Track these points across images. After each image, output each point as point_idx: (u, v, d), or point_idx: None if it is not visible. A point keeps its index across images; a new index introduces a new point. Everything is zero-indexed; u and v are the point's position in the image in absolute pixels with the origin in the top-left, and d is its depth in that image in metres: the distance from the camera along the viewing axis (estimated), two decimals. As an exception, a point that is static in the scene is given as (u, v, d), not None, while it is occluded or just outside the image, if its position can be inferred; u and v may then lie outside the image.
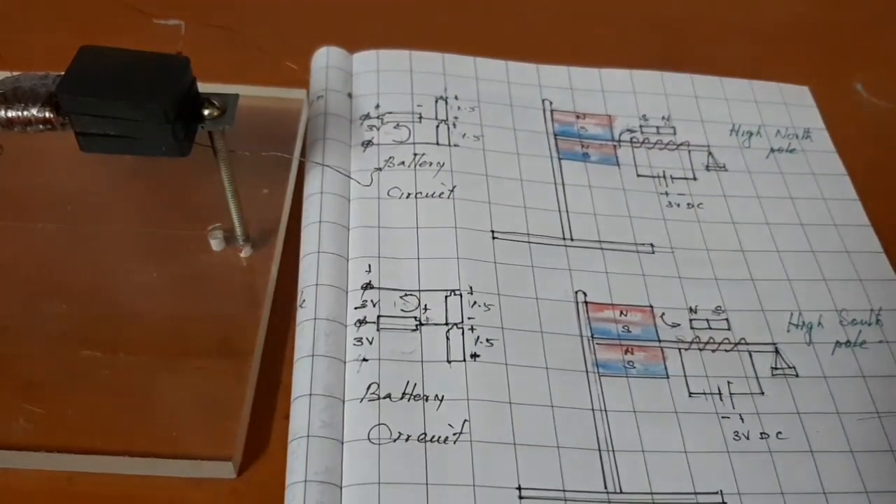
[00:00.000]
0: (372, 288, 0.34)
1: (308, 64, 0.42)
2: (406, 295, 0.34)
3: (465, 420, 0.31)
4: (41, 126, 0.30)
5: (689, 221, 0.39)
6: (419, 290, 0.34)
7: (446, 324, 0.34)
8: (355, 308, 0.34)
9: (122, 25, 0.44)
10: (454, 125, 0.40)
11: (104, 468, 0.30)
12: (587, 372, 0.33)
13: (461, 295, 0.34)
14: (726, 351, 0.35)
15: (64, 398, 0.32)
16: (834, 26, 0.51)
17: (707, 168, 0.41)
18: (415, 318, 0.34)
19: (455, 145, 0.40)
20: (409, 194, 0.37)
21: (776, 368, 0.34)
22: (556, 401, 0.32)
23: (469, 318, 0.34)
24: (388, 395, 0.31)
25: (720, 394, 0.33)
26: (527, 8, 0.50)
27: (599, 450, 0.31)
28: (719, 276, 0.37)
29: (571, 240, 0.37)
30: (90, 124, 0.30)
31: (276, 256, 0.37)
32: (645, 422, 0.32)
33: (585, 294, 0.35)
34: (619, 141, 0.42)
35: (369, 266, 0.35)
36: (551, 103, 0.43)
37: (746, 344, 0.35)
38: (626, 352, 0.34)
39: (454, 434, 0.31)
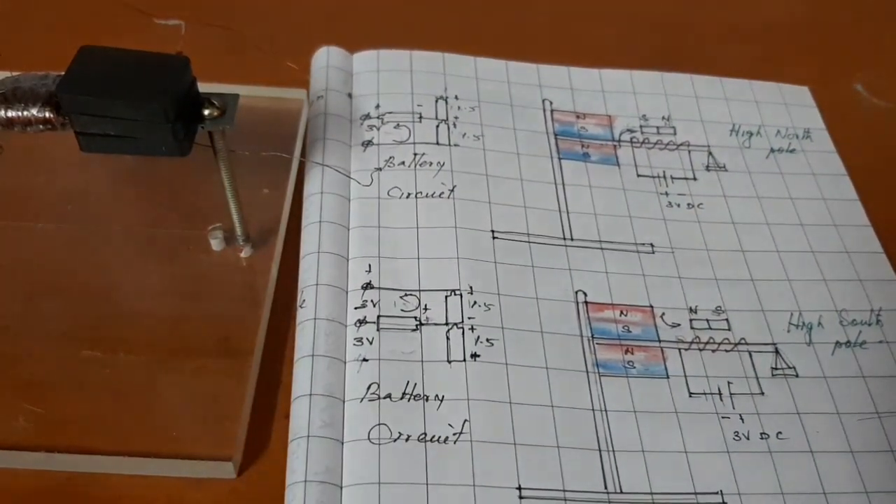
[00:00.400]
0: (372, 288, 0.34)
1: (308, 64, 0.42)
2: (406, 295, 0.34)
3: (466, 420, 0.31)
4: (41, 126, 0.30)
5: (690, 221, 0.39)
6: (419, 290, 0.34)
7: (446, 324, 0.34)
8: (355, 308, 0.34)
9: (122, 25, 0.44)
10: (454, 125, 0.40)
11: (104, 468, 0.30)
12: (587, 372, 0.33)
13: (461, 295, 0.34)
14: (726, 351, 0.35)
15: (64, 398, 0.32)
16: (834, 26, 0.51)
17: (707, 168, 0.41)
18: (415, 318, 0.34)
19: (455, 145, 0.40)
20: (409, 194, 0.37)
21: (776, 368, 0.34)
22: (557, 401, 0.32)
23: (469, 318, 0.34)
24: (389, 395, 0.31)
25: (720, 394, 0.33)
26: (527, 8, 0.50)
27: (599, 450, 0.31)
28: (719, 276, 0.37)
29: (571, 240, 0.37)
30: (90, 124, 0.30)
31: (276, 256, 0.37)
32: (645, 422, 0.32)
33: (585, 294, 0.35)
34: (620, 141, 0.42)
35: (369, 266, 0.35)
36: (551, 103, 0.43)
37: (746, 344, 0.35)
38: (627, 352, 0.34)
39: (454, 434, 0.31)
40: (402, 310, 0.34)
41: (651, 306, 0.36)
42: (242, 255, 0.36)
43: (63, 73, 0.30)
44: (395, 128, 0.40)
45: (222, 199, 0.34)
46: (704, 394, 0.33)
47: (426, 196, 0.37)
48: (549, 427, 0.31)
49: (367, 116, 0.40)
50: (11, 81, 0.30)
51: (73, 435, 0.31)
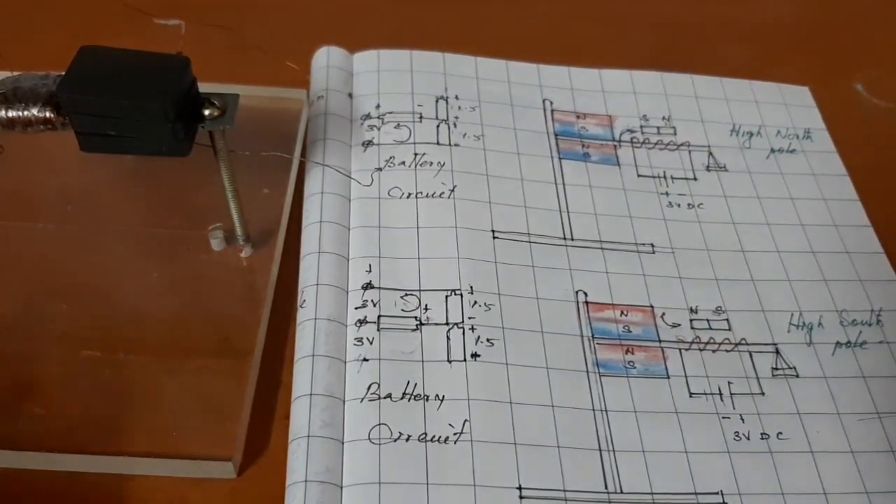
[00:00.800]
0: (372, 288, 0.34)
1: (308, 64, 0.42)
2: (406, 295, 0.34)
3: (466, 420, 0.31)
4: (41, 126, 0.30)
5: (690, 221, 0.39)
6: (419, 290, 0.34)
7: (447, 323, 0.34)
8: (356, 308, 0.34)
9: (122, 25, 0.44)
10: (455, 125, 0.40)
11: (104, 468, 0.30)
12: (588, 372, 0.33)
13: (462, 295, 0.34)
14: (727, 351, 0.35)
15: (64, 398, 0.32)
16: (834, 26, 0.51)
17: (707, 168, 0.41)
18: (415, 317, 0.34)
19: (455, 145, 0.40)
20: (409, 194, 0.37)
21: (776, 369, 0.34)
22: (557, 401, 0.32)
23: (469, 318, 0.34)
24: (389, 395, 0.31)
25: (720, 394, 0.33)
26: (527, 8, 0.50)
27: (600, 450, 0.31)
28: (719, 276, 0.37)
29: (572, 240, 0.37)
30: (90, 124, 0.30)
31: (276, 256, 0.37)
32: (645, 422, 0.32)
33: (586, 294, 0.35)
34: (620, 141, 0.42)
35: (370, 266, 0.35)
36: (552, 103, 0.43)
37: (747, 344, 0.35)
38: (627, 352, 0.34)
39: (454, 434, 0.31)
40: (403, 310, 0.34)
41: (651, 306, 0.36)
42: (242, 255, 0.36)
43: (63, 73, 0.30)
44: (395, 128, 0.40)
45: (222, 199, 0.34)
46: (705, 394, 0.33)
47: (426, 196, 0.37)
48: (550, 427, 0.31)
49: (368, 116, 0.40)
50: (11, 81, 0.30)
51: (73, 435, 0.31)
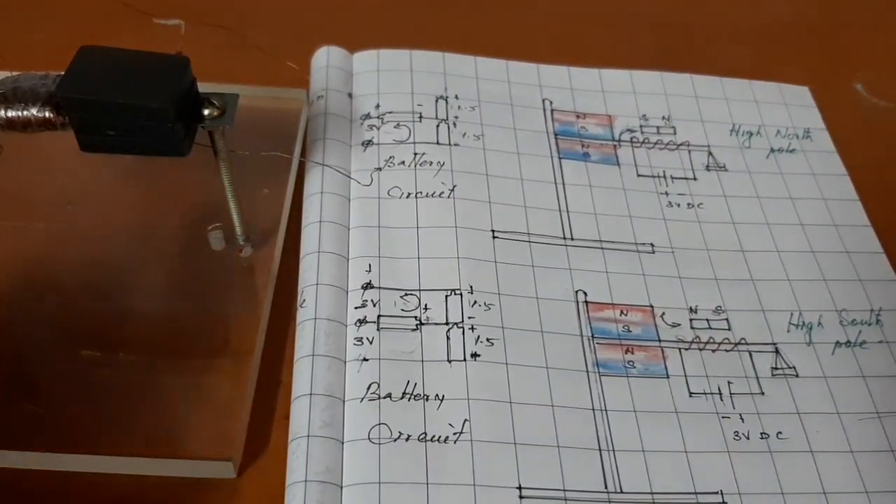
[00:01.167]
0: (372, 287, 0.34)
1: (308, 64, 0.42)
2: (406, 294, 0.34)
3: (466, 420, 0.31)
4: (41, 126, 0.30)
5: (690, 221, 0.39)
6: (419, 290, 0.34)
7: (447, 323, 0.34)
8: (355, 308, 0.34)
9: (122, 25, 0.44)
10: (454, 125, 0.40)
11: (104, 468, 0.30)
12: (587, 371, 0.33)
13: (461, 294, 0.34)
14: (726, 351, 0.35)
15: (64, 398, 0.32)
16: (834, 26, 0.51)
17: (707, 168, 0.41)
18: (415, 317, 0.34)
19: (455, 145, 0.40)
20: (409, 194, 0.37)
21: (776, 368, 0.34)
22: (557, 400, 0.32)
23: (469, 318, 0.34)
24: (389, 395, 0.31)
25: (720, 394, 0.33)
26: (527, 8, 0.50)
27: (600, 449, 0.31)
28: (719, 276, 0.37)
29: (572, 239, 0.37)
30: (90, 124, 0.30)
31: (276, 256, 0.37)
32: (645, 421, 0.32)
33: (586, 294, 0.35)
34: (620, 141, 0.42)
35: (369, 266, 0.35)
36: (551, 103, 0.43)
37: (746, 344, 0.35)
38: (627, 351, 0.34)
39: (454, 434, 0.31)
40: (403, 309, 0.34)
41: (651, 306, 0.36)
42: (242, 255, 0.36)
43: (63, 73, 0.30)
44: (395, 127, 0.40)
45: (222, 199, 0.34)
46: (704, 394, 0.33)
47: (426, 196, 0.37)
48: (550, 427, 0.31)
49: (367, 116, 0.40)
50: (11, 81, 0.30)
51: (73, 435, 0.31)
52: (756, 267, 0.37)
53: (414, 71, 0.42)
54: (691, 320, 0.35)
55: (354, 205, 0.37)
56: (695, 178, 0.41)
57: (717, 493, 0.31)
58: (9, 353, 0.33)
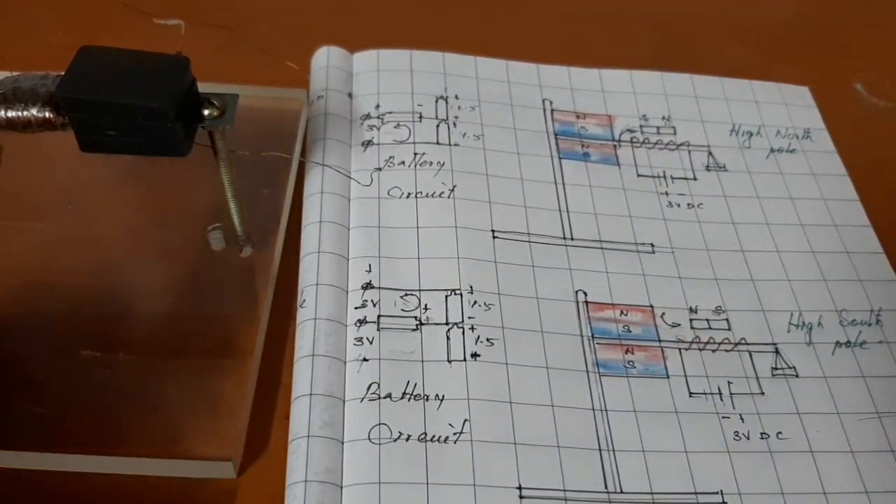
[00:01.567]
0: (372, 288, 0.34)
1: (308, 64, 0.42)
2: (406, 294, 0.34)
3: (466, 420, 0.31)
4: (41, 126, 0.30)
5: (690, 221, 0.39)
6: (419, 290, 0.34)
7: (447, 323, 0.34)
8: (355, 308, 0.34)
9: (122, 25, 0.44)
10: (454, 125, 0.40)
11: (104, 468, 0.30)
12: (587, 371, 0.33)
13: (461, 294, 0.34)
14: (726, 351, 0.35)
15: (64, 398, 0.32)
16: (834, 26, 0.51)
17: (707, 168, 0.41)
18: (415, 317, 0.34)
19: (455, 145, 0.40)
20: (409, 194, 0.37)
21: (776, 368, 0.34)
22: (557, 400, 0.32)
23: (469, 318, 0.34)
24: (389, 395, 0.31)
25: (720, 394, 0.33)
26: (527, 8, 0.50)
27: (600, 449, 0.31)
28: (719, 276, 0.37)
29: (572, 239, 0.37)
30: (90, 124, 0.30)
31: (276, 256, 0.37)
32: (645, 421, 0.32)
33: (586, 294, 0.35)
34: (620, 141, 0.42)
35: (369, 266, 0.35)
36: (551, 103, 0.43)
37: (746, 344, 0.35)
38: (627, 351, 0.34)
39: (454, 434, 0.31)
40: (403, 309, 0.34)
41: (651, 306, 0.36)
42: (242, 255, 0.36)
43: (63, 73, 0.30)
44: (395, 127, 0.40)
45: (222, 199, 0.34)
46: (704, 394, 0.33)
47: (426, 196, 0.37)
48: (550, 427, 0.31)
49: (367, 116, 0.40)
50: (11, 81, 0.30)
51: (73, 435, 0.31)
52: (756, 267, 0.37)
53: (414, 71, 0.42)
54: (691, 320, 0.35)
55: (354, 205, 0.37)
56: (695, 178, 0.41)
57: (717, 493, 0.31)
58: (9, 354, 0.33)
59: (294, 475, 0.29)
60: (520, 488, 0.30)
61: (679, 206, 0.39)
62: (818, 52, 0.49)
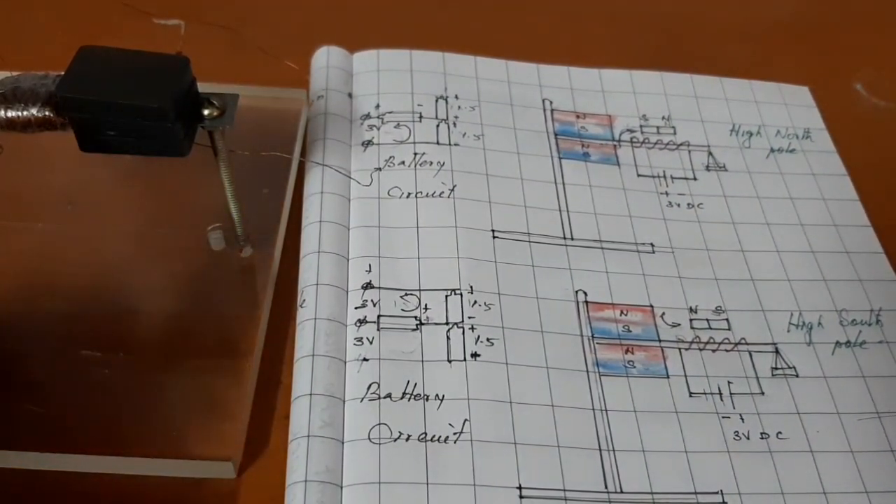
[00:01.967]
0: (372, 287, 0.34)
1: (308, 64, 0.42)
2: (406, 294, 0.34)
3: (466, 419, 0.31)
4: (41, 126, 0.30)
5: (690, 221, 0.39)
6: (419, 290, 0.34)
7: (447, 323, 0.34)
8: (355, 308, 0.34)
9: (122, 25, 0.44)
10: (454, 124, 0.40)
11: (104, 468, 0.30)
12: (587, 371, 0.33)
13: (461, 294, 0.34)
14: (726, 351, 0.35)
15: (64, 398, 0.32)
16: (834, 26, 0.51)
17: (707, 168, 0.41)
18: (415, 317, 0.34)
19: (455, 145, 0.40)
20: (409, 194, 0.37)
21: (776, 368, 0.34)
22: (557, 400, 0.32)
23: (469, 318, 0.34)
24: (389, 395, 0.31)
25: (720, 394, 0.33)
26: (527, 8, 0.50)
27: (600, 449, 0.31)
28: (719, 276, 0.37)
29: (572, 239, 0.37)
30: (89, 124, 0.30)
31: (276, 256, 0.37)
32: (645, 421, 0.32)
33: (586, 293, 0.35)
34: (620, 141, 0.42)
35: (369, 266, 0.35)
36: (551, 103, 0.43)
37: (746, 344, 0.35)
38: (627, 351, 0.34)
39: (454, 434, 0.31)
40: (403, 309, 0.34)
41: (651, 306, 0.36)
42: (242, 255, 0.36)
43: (63, 73, 0.30)
44: (395, 127, 0.40)
45: (222, 199, 0.34)
46: (704, 393, 0.33)
47: (426, 196, 0.37)
48: (550, 427, 0.31)
49: (367, 116, 0.40)
50: (11, 81, 0.30)
51: (73, 435, 0.31)
52: (756, 267, 0.37)
53: (414, 71, 0.42)
54: (691, 320, 0.35)
55: (354, 205, 0.37)
56: (695, 178, 0.41)
57: (717, 493, 0.31)
58: (9, 354, 0.33)
59: (294, 475, 0.29)
60: (520, 488, 0.30)
61: (679, 206, 0.39)
62: (818, 52, 0.49)
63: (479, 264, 0.35)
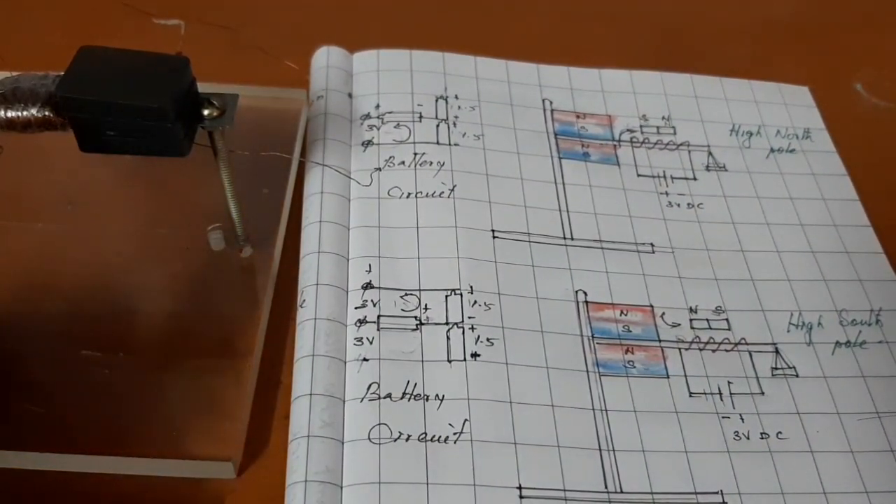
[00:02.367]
0: (372, 287, 0.34)
1: (308, 64, 0.42)
2: (406, 294, 0.34)
3: (466, 419, 0.31)
4: (41, 126, 0.30)
5: (689, 221, 0.39)
6: (419, 290, 0.34)
7: (447, 323, 0.34)
8: (355, 308, 0.34)
9: (122, 25, 0.44)
10: (454, 124, 0.40)
11: (104, 468, 0.30)
12: (587, 371, 0.33)
13: (461, 294, 0.34)
14: (726, 351, 0.35)
15: (64, 398, 0.32)
16: (834, 26, 0.51)
17: (707, 168, 0.41)
18: (415, 317, 0.34)
19: (455, 145, 0.40)
20: (409, 194, 0.37)
21: (776, 368, 0.34)
22: (557, 400, 0.32)
23: (469, 318, 0.34)
24: (389, 395, 0.31)
25: (720, 394, 0.33)
26: (527, 8, 0.50)
27: (600, 449, 0.31)
28: (719, 276, 0.37)
29: (572, 239, 0.37)
30: (90, 124, 0.30)
31: (276, 256, 0.37)
32: (645, 421, 0.32)
33: (586, 293, 0.35)
34: (620, 141, 0.42)
35: (369, 266, 0.35)
36: (551, 103, 0.43)
37: (746, 344, 0.35)
38: (627, 351, 0.34)
39: (454, 434, 0.31)
40: (403, 309, 0.34)
41: (651, 306, 0.36)
42: (242, 255, 0.36)
43: (63, 73, 0.30)
44: (395, 127, 0.40)
45: (222, 199, 0.34)
46: (704, 393, 0.33)
47: (426, 196, 0.37)
48: (550, 427, 0.31)
49: (367, 116, 0.40)
50: (11, 81, 0.30)
51: (73, 435, 0.31)
52: (756, 267, 0.37)
53: (414, 71, 0.42)
54: (691, 320, 0.35)
55: (354, 205, 0.37)
56: (695, 178, 0.41)
57: (717, 493, 0.31)
58: (9, 354, 0.33)
59: (294, 475, 0.29)
60: (520, 488, 0.30)
61: (679, 206, 0.39)
62: (818, 52, 0.49)
63: (479, 264, 0.35)
